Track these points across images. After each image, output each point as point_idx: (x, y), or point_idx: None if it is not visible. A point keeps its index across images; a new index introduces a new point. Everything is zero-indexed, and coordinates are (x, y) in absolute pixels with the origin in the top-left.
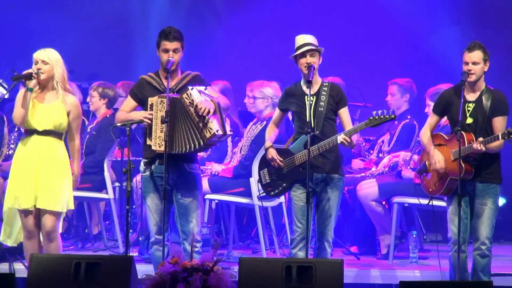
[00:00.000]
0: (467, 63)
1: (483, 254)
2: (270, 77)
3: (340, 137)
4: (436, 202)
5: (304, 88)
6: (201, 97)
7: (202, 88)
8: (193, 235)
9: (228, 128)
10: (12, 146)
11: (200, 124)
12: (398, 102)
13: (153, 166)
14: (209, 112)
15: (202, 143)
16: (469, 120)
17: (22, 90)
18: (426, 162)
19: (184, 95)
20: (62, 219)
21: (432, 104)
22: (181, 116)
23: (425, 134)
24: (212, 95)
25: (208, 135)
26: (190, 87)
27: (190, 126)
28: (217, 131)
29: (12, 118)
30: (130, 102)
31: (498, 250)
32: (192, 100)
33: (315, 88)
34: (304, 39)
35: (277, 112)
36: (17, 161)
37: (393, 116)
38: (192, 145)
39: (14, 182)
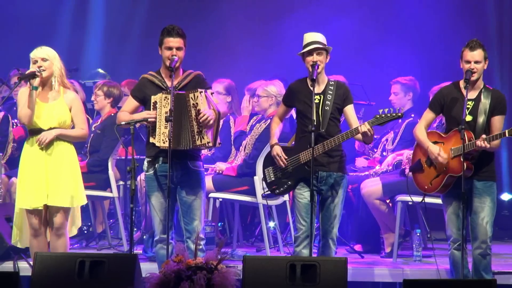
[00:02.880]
0: (469, 62)
1: (484, 253)
2: (270, 77)
3: (365, 127)
4: (433, 200)
5: (311, 86)
6: (206, 103)
7: (210, 91)
8: (197, 233)
9: (218, 140)
10: (16, 145)
11: (196, 129)
12: (401, 101)
13: (156, 164)
14: (208, 122)
15: (190, 147)
16: (468, 118)
17: (23, 89)
18: (421, 159)
19: (191, 95)
20: (80, 217)
21: None
22: (183, 113)
23: (420, 131)
24: (215, 102)
25: (198, 142)
26: (199, 90)
27: (185, 126)
28: (208, 142)
29: (18, 118)
30: (131, 102)
31: (502, 249)
32: (197, 103)
33: (321, 87)
34: (312, 37)
35: (282, 107)
36: (25, 162)
37: (400, 114)
38: (183, 145)
39: (24, 183)
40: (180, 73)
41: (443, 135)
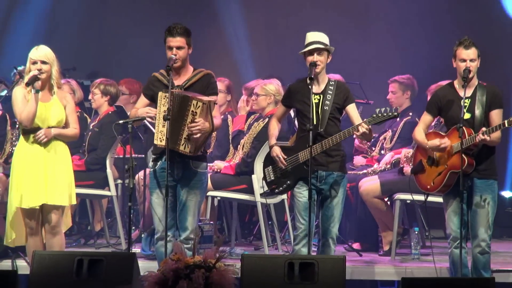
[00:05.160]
0: (464, 60)
1: (482, 251)
2: (266, 76)
3: (362, 128)
4: (432, 199)
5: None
6: (204, 115)
7: (214, 99)
8: (195, 232)
9: (201, 149)
10: (15, 143)
11: (184, 135)
12: (399, 99)
13: (159, 161)
14: (195, 135)
15: (174, 149)
16: (467, 115)
17: (17, 88)
18: (422, 160)
19: (194, 101)
20: (71, 217)
21: None
22: (180, 115)
23: (419, 133)
24: (214, 115)
25: (181, 148)
26: (204, 101)
27: (178, 128)
28: (189, 152)
29: (19, 120)
30: (142, 100)
31: (500, 247)
32: (196, 112)
33: (321, 87)
34: (314, 36)
35: (281, 108)
36: (22, 161)
37: (395, 114)
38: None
39: (21, 182)
40: (188, 71)
41: (443, 134)
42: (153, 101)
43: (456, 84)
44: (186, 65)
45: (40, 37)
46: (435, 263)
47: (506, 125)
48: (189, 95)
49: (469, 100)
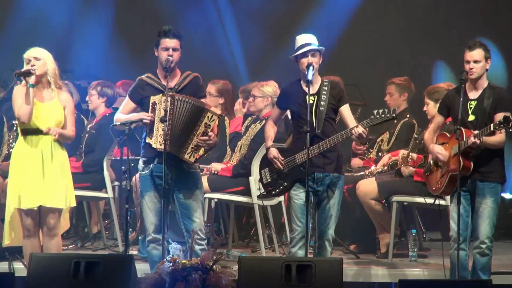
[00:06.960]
0: (468, 62)
1: (482, 253)
2: (265, 78)
3: (359, 129)
4: (429, 201)
5: (305, 87)
6: (215, 129)
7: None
8: (193, 233)
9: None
10: (12, 145)
11: (192, 144)
12: (396, 101)
13: (151, 164)
14: (204, 147)
15: (177, 156)
16: (471, 117)
17: (17, 88)
18: (431, 162)
19: (209, 114)
20: (68, 218)
21: (430, 102)
22: (191, 123)
23: (427, 133)
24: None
25: (185, 156)
26: (219, 114)
27: (186, 135)
28: (193, 161)
29: (17, 116)
30: (128, 104)
31: (498, 249)
32: (209, 124)
33: (315, 88)
34: (305, 38)
35: (276, 111)
36: (20, 162)
37: (393, 115)
38: (174, 150)
39: (19, 183)
40: (177, 73)
41: (448, 135)
42: (141, 105)
43: (467, 85)
44: (175, 67)
45: (38, 39)
46: (432, 265)
47: (492, 129)
48: (205, 106)
49: (475, 102)
